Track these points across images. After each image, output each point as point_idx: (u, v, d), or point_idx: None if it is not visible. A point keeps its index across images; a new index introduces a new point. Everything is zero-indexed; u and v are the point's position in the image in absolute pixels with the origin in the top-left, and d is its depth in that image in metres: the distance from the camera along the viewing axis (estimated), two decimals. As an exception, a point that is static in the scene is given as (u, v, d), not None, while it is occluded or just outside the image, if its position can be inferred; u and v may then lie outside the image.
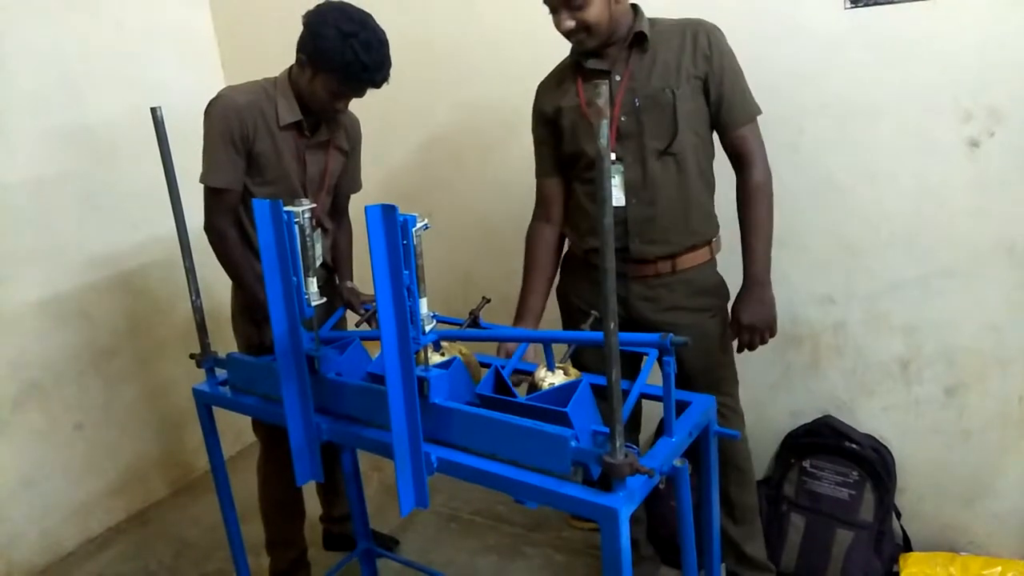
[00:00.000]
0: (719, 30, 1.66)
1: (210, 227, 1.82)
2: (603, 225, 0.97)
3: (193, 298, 1.64)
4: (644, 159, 1.64)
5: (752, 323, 1.68)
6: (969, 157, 1.83)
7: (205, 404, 1.71)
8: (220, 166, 1.77)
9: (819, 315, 2.09)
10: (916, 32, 1.81)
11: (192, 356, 1.71)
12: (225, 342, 2.05)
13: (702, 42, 1.62)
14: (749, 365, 2.16)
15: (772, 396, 2.21)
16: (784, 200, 2.02)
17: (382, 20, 1.84)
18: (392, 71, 1.78)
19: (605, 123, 0.93)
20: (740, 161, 1.69)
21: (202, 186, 1.82)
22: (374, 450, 1.38)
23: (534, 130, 1.81)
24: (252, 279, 1.84)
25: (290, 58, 1.88)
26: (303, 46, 1.75)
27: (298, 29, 1.78)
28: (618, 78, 1.64)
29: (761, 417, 2.19)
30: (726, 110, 1.65)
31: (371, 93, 1.82)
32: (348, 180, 2.07)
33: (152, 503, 2.81)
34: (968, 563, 1.89)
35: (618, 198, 1.66)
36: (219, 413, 1.71)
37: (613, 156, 1.66)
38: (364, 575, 2.18)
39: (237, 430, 3.01)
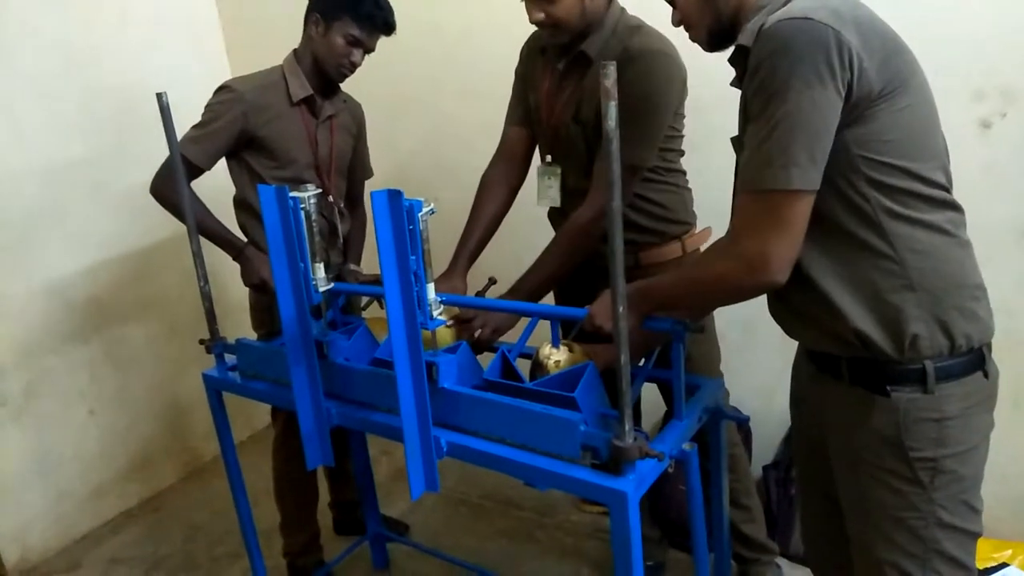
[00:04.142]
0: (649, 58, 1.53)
1: (159, 190, 1.85)
2: (611, 209, 0.96)
3: (201, 284, 1.64)
4: (584, 166, 1.62)
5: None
6: (980, 138, 1.80)
7: (215, 390, 1.72)
8: (193, 140, 1.83)
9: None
10: (927, 12, 1.78)
11: (201, 342, 1.71)
12: (234, 327, 2.05)
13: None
14: (757, 350, 2.16)
15: (780, 381, 2.18)
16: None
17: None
18: (401, 57, 1.78)
19: (613, 104, 0.92)
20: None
21: (207, 170, 1.87)
22: (384, 434, 1.38)
23: (515, 75, 1.80)
24: (206, 216, 1.88)
25: (295, 45, 1.91)
26: (314, 5, 1.84)
27: (301, 17, 1.82)
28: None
29: (769, 401, 2.18)
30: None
31: (381, 81, 1.81)
32: (360, 166, 2.13)
33: (164, 488, 2.84)
34: (978, 545, 1.88)
35: (553, 199, 1.69)
36: (229, 398, 1.72)
37: (550, 158, 1.70)
38: (374, 559, 2.19)
39: (247, 415, 3.03)
